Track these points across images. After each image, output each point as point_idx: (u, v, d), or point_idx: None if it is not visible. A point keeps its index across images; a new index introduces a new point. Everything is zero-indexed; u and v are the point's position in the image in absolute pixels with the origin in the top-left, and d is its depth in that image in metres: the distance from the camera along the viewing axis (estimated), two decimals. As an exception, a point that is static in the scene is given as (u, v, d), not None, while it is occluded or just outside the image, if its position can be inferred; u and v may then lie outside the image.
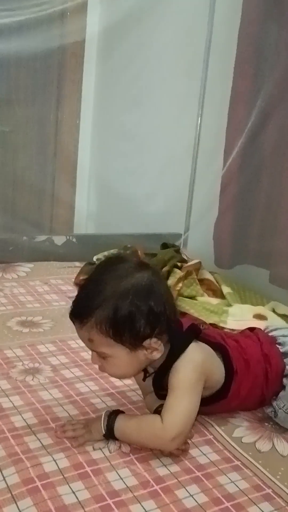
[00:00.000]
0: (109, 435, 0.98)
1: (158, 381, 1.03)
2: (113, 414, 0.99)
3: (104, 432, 0.98)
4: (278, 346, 1.15)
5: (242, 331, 1.25)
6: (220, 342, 1.09)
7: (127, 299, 0.94)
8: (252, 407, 1.14)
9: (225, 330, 1.57)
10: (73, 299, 1.00)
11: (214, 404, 1.07)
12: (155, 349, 0.97)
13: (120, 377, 1.07)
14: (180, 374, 0.98)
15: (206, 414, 1.10)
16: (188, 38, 2.42)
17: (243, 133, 1.99)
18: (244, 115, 1.99)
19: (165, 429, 0.93)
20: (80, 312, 0.97)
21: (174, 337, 1.00)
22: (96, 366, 1.02)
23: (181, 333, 1.02)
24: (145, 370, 1.04)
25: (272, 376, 1.11)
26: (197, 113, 2.37)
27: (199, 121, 2.38)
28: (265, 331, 1.22)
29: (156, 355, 0.98)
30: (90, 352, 1.01)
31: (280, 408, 1.09)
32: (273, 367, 1.11)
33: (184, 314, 1.19)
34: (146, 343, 0.96)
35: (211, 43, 2.29)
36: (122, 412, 1.02)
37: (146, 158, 2.73)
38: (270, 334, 1.20)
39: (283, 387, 1.11)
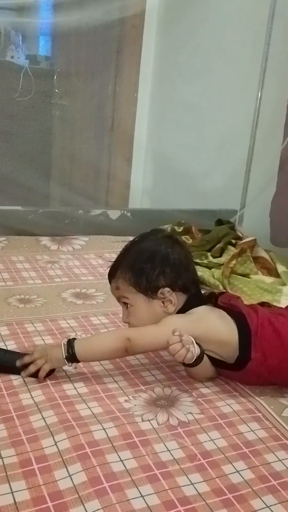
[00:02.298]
0: (72, 358, 1.07)
1: None
2: (71, 340, 1.09)
3: (65, 356, 1.07)
4: None
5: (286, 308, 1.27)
6: (239, 310, 1.14)
7: (146, 254, 1.14)
8: None
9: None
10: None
11: (241, 370, 1.09)
12: (169, 301, 1.12)
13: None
14: (174, 317, 1.12)
15: (246, 383, 1.13)
16: (251, 8, 2.34)
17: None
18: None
19: (125, 330, 1.15)
20: (111, 270, 1.18)
21: (190, 299, 1.15)
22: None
23: (197, 298, 1.16)
24: None
25: None
26: (258, 85, 2.30)
27: (259, 94, 2.31)
28: None
29: (170, 307, 1.12)
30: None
31: None
32: None
33: (223, 292, 1.29)
34: (160, 292, 1.11)
35: (275, 13, 2.21)
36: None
37: (203, 133, 2.69)
38: None
39: None
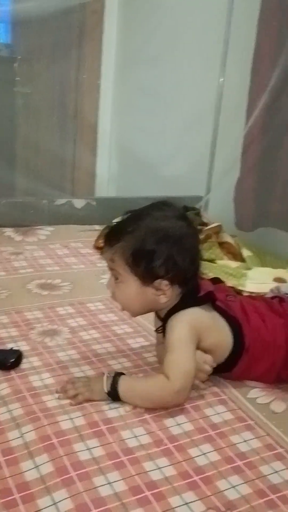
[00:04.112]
0: (114, 396, 0.99)
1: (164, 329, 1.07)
2: (117, 375, 1.01)
3: (107, 391, 0.99)
4: None
5: (271, 302, 1.19)
6: (235, 316, 1.08)
7: (155, 237, 1.00)
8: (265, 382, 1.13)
9: (244, 293, 1.57)
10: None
11: (217, 374, 1.09)
12: (163, 293, 1.02)
13: (127, 307, 1.07)
14: (174, 333, 1.02)
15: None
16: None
17: (266, 91, 1.93)
18: (267, 72, 1.93)
19: (170, 383, 0.97)
20: (113, 234, 1.05)
21: (186, 295, 1.05)
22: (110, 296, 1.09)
23: (194, 295, 1.05)
24: (158, 315, 1.10)
25: None
26: (220, 70, 2.30)
27: (221, 79, 2.31)
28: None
29: (163, 298, 1.03)
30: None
31: None
32: None
33: (219, 281, 1.20)
34: (157, 282, 1.01)
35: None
36: (123, 373, 1.03)
37: (167, 119, 2.69)
38: None
39: None
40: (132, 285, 1.03)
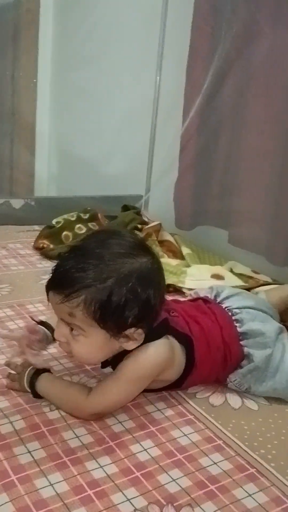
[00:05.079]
0: (34, 393, 0.99)
1: (115, 361, 0.99)
2: (36, 373, 1.00)
3: (27, 387, 1.00)
4: (235, 324, 1.10)
5: (196, 302, 1.18)
6: (187, 333, 1.02)
7: (127, 285, 0.86)
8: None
9: (183, 290, 1.61)
10: (56, 266, 0.91)
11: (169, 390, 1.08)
12: (134, 340, 0.92)
13: (87, 360, 1.01)
14: (135, 364, 0.94)
15: None
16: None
17: (201, 92, 1.97)
18: (201, 74, 1.97)
19: (88, 404, 0.94)
20: (66, 283, 0.87)
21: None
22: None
23: (153, 328, 0.96)
24: None
25: (231, 362, 1.08)
26: (156, 71, 2.33)
27: (158, 79, 2.34)
28: (217, 301, 1.16)
29: (132, 345, 0.93)
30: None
31: (231, 381, 1.09)
32: (233, 354, 1.07)
33: None
34: (129, 332, 0.91)
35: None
36: (48, 370, 1.03)
37: (105, 118, 2.69)
38: (223, 305, 1.14)
39: (240, 367, 1.08)
40: (97, 339, 0.90)
